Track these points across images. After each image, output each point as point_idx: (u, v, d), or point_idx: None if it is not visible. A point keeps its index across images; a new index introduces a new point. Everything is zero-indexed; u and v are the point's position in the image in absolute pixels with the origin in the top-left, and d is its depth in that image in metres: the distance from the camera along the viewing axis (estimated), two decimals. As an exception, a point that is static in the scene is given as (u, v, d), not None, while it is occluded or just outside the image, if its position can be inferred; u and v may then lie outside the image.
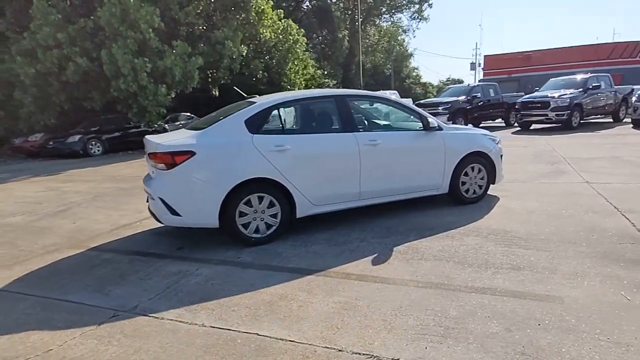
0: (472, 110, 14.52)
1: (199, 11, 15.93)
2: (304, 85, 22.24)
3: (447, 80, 51.35)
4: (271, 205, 4.16)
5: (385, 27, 42.92)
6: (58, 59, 14.43)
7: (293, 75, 20.57)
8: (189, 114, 19.71)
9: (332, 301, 2.96)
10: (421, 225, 4.48)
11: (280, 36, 19.23)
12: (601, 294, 2.79)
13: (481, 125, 16.26)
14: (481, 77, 35.14)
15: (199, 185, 3.95)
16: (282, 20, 19.23)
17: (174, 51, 14.67)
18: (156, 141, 4.07)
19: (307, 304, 2.95)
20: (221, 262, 3.83)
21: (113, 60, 13.98)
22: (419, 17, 41.42)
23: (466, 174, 5.08)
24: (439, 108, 13.82)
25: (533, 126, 14.58)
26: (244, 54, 16.76)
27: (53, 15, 14.46)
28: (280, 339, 2.52)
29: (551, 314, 2.59)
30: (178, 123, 19.12)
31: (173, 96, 16.68)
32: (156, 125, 16.36)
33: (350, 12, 29.60)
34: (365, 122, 4.96)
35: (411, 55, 50.12)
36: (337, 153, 4.41)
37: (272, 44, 19.19)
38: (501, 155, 5.41)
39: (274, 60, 19.56)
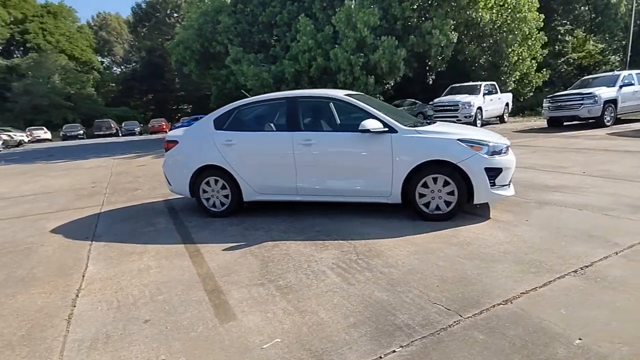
0: None
1: (415, 6, 15.85)
2: (534, 68, 18.15)
3: None
4: (224, 187, 4.87)
5: None
6: (308, 60, 17.69)
7: (516, 57, 17.18)
8: (413, 100, 20.05)
9: (147, 262, 3.64)
10: (333, 231, 4.13)
11: (507, 16, 16.39)
12: (263, 328, 2.39)
13: None
14: None
15: (179, 166, 5.09)
16: (512, -2, 16.28)
17: (382, 46, 15.36)
18: (167, 132, 5.44)
19: (138, 260, 3.73)
20: (178, 222, 4.93)
21: (336, 57, 16.05)
22: None
23: (427, 186, 4.13)
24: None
25: None
26: (454, 40, 15.53)
27: (309, 26, 17.70)
28: (82, 274, 3.51)
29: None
30: (401, 108, 19.89)
31: (391, 85, 17.53)
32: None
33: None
34: (313, 122, 4.72)
35: None
36: (273, 150, 4.62)
37: (495, 26, 16.66)
38: (496, 169, 3.99)
39: (498, 43, 16.92)
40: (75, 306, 2.89)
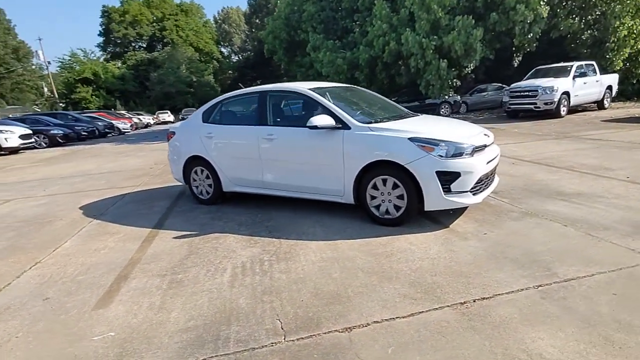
0: None
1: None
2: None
3: None
4: (208, 177, 5.05)
5: None
6: (382, 44, 16.93)
7: (626, 31, 13.72)
8: (499, 84, 17.87)
9: (108, 243, 4.00)
10: (280, 227, 4.02)
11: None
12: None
13: None
14: None
15: (175, 155, 5.41)
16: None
17: (457, 26, 13.88)
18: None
19: (105, 240, 4.13)
20: (170, 207, 5.27)
21: (407, 41, 15.05)
22: None
23: (377, 187, 3.73)
24: None
25: None
26: (544, 15, 13.17)
27: (384, 9, 16.88)
28: (54, 249, 4.02)
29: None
30: (485, 94, 17.98)
31: (470, 68, 15.87)
32: (447, 97, 16.35)
33: None
34: (279, 116, 4.49)
35: None
36: (242, 143, 4.62)
37: (603, -6, 13.57)
38: (452, 173, 3.41)
39: (605, 15, 13.74)
40: (19, 277, 3.35)
